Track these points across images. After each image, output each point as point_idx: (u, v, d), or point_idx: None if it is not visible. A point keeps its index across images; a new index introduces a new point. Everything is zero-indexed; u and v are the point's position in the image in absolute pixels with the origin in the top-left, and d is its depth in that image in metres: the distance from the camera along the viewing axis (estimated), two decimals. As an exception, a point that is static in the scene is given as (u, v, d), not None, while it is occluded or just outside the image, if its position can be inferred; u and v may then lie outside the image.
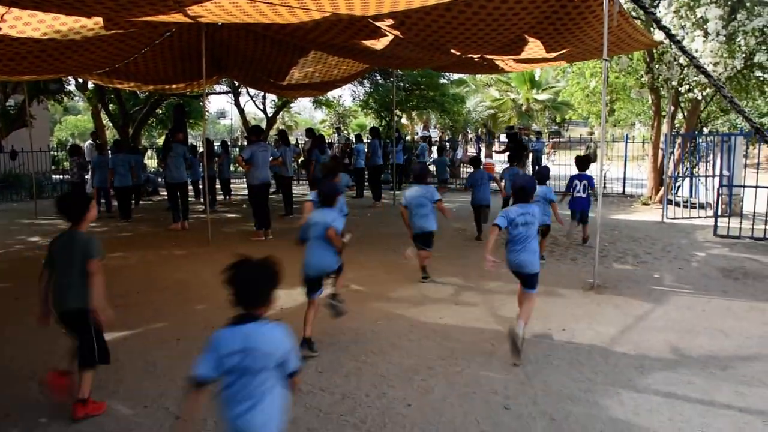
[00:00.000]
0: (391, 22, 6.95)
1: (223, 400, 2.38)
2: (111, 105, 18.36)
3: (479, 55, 8.63)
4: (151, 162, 21.98)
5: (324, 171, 7.57)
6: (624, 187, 15.65)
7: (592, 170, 8.53)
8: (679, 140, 12.65)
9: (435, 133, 27.95)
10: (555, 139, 27.97)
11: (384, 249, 8.52)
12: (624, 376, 4.09)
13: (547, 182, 7.75)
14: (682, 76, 10.87)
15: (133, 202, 13.12)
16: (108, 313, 3.50)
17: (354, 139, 18.32)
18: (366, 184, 15.62)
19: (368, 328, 5.15)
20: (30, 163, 13.88)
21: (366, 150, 14.83)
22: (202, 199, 12.95)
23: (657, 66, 11.65)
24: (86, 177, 13.29)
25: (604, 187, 13.66)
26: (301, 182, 19.23)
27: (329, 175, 6.48)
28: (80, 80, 16.57)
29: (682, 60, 10.39)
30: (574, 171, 8.77)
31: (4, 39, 6.98)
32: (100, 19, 6.98)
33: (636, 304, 5.82)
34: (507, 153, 14.52)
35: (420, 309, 5.68)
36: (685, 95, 11.68)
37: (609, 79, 14.32)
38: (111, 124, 19.50)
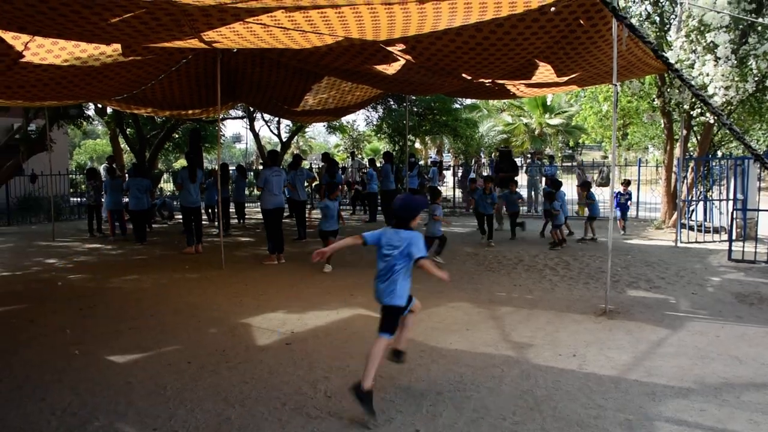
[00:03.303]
0: (402, 46, 7.05)
1: None
2: (129, 129, 18.64)
3: (490, 80, 8.70)
4: (167, 186, 22.22)
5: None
6: (637, 211, 15.57)
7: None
8: (692, 164, 12.60)
9: (448, 158, 28.02)
10: (567, 164, 27.92)
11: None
12: (635, 403, 4.05)
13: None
14: (693, 100, 10.87)
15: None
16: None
17: (367, 163, 18.42)
18: (379, 208, 15.67)
19: (378, 352, 5.14)
20: (49, 186, 14.13)
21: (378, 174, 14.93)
22: (216, 223, 13.06)
23: (668, 90, 11.66)
24: (102, 200, 13.48)
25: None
26: (315, 206, 19.32)
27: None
28: (99, 105, 16.86)
29: (694, 83, 10.41)
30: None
31: (27, 66, 7.16)
32: (118, 46, 7.15)
33: (648, 330, 5.77)
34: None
35: (430, 333, 5.66)
36: (697, 119, 11.66)
37: (621, 103, 14.36)
38: (128, 148, 19.78)
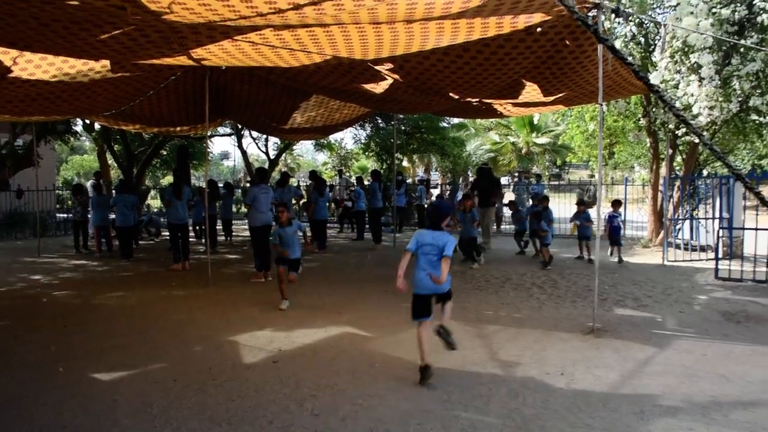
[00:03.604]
0: (390, 66, 7.10)
1: None
2: (116, 145, 18.57)
3: (477, 99, 8.78)
4: (155, 202, 22.09)
5: None
6: (624, 229, 15.64)
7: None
8: (678, 183, 12.73)
9: (436, 176, 28.14)
10: (554, 182, 28.14)
11: (382, 291, 8.51)
12: (623, 422, 4.04)
13: None
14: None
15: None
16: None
17: (355, 181, 18.45)
18: (366, 226, 15.66)
19: (365, 370, 5.12)
20: (35, 201, 14.00)
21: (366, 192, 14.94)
22: (203, 240, 12.99)
23: (654, 110, 11.80)
24: (88, 216, 13.38)
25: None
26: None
27: None
28: (87, 121, 16.80)
29: (679, 103, 10.55)
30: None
31: (15, 81, 7.15)
32: (107, 62, 7.15)
33: (636, 348, 5.78)
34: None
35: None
36: (683, 138, 11.80)
37: (608, 123, 14.51)
38: (116, 164, 19.70)
